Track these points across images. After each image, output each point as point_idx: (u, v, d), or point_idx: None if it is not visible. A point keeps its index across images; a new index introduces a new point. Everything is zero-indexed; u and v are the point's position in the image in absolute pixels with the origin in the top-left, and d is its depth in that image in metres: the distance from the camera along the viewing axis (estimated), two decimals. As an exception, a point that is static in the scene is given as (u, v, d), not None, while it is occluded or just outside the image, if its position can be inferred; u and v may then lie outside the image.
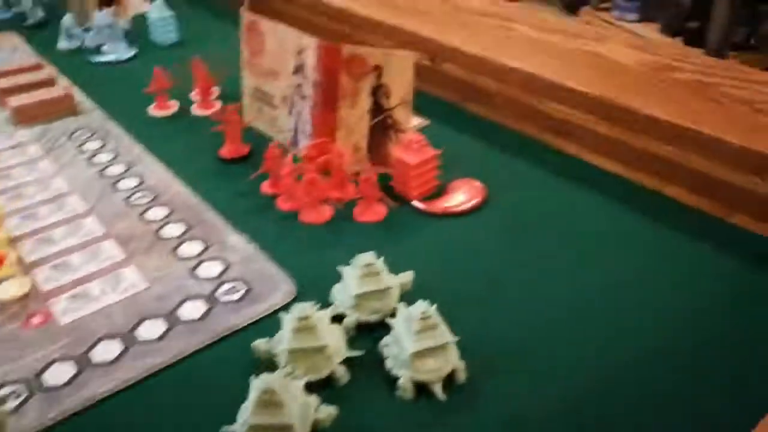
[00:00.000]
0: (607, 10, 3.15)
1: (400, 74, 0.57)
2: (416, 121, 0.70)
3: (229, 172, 0.62)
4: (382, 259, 0.46)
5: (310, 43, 0.59)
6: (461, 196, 0.58)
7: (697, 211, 0.54)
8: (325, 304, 0.45)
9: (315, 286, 0.47)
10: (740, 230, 0.52)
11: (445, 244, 0.53)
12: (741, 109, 0.54)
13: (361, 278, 0.43)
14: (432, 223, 0.55)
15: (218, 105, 0.74)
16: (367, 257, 0.44)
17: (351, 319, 0.43)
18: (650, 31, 2.93)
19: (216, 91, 0.76)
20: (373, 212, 0.55)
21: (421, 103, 0.73)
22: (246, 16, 0.65)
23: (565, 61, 0.66)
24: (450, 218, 0.56)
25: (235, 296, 0.47)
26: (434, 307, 0.41)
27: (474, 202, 0.57)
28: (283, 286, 0.48)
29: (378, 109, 0.59)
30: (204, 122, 0.70)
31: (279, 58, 0.63)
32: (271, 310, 0.45)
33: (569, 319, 0.45)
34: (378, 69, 0.57)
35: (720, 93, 0.57)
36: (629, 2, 3.05)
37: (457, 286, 0.48)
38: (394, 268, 0.46)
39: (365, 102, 0.59)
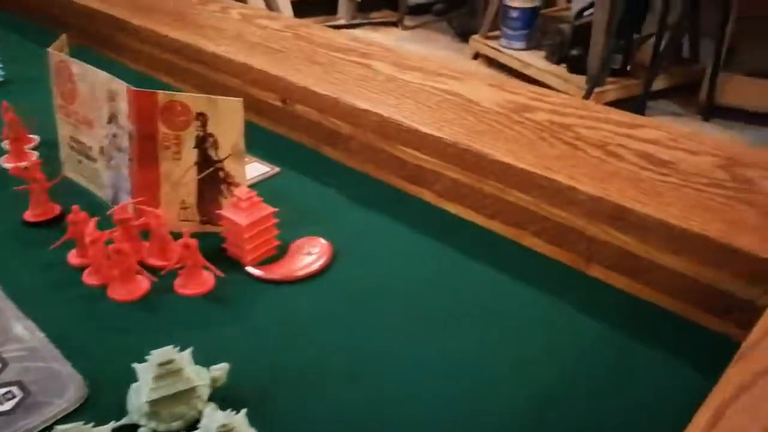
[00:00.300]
0: (496, 38, 3.23)
1: (229, 122, 0.50)
2: (264, 169, 0.64)
3: (31, 240, 0.53)
4: (189, 350, 0.38)
5: (120, 89, 0.51)
6: (305, 258, 0.51)
7: (556, 262, 0.50)
8: (124, 409, 0.37)
9: (114, 385, 0.39)
10: (598, 282, 0.48)
11: (282, 317, 0.46)
12: (595, 153, 0.51)
13: (157, 380, 0.36)
14: (269, 291, 0.48)
15: (34, 156, 0.64)
16: (165, 353, 0.36)
17: (145, 431, 0.35)
18: (536, 59, 3.01)
19: (36, 139, 0.67)
20: (198, 283, 0.48)
21: (271, 148, 0.67)
22: (53, 56, 0.56)
23: (420, 101, 0.61)
24: (291, 285, 0.49)
25: (7, 405, 0.38)
26: (242, 413, 0.34)
27: (319, 263, 0.51)
28: (70, 389, 0.39)
29: (208, 161, 0.52)
30: (12, 178, 0.60)
31: (92, 104, 0.55)
32: (51, 422, 0.37)
33: (426, 397, 0.39)
34: (203, 117, 0.50)
35: (575, 135, 0.53)
36: (516, 31, 3.13)
37: (292, 369, 0.41)
38: (216, 354, 0.39)
39: (191, 154, 0.52)
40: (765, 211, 0.44)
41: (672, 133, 0.54)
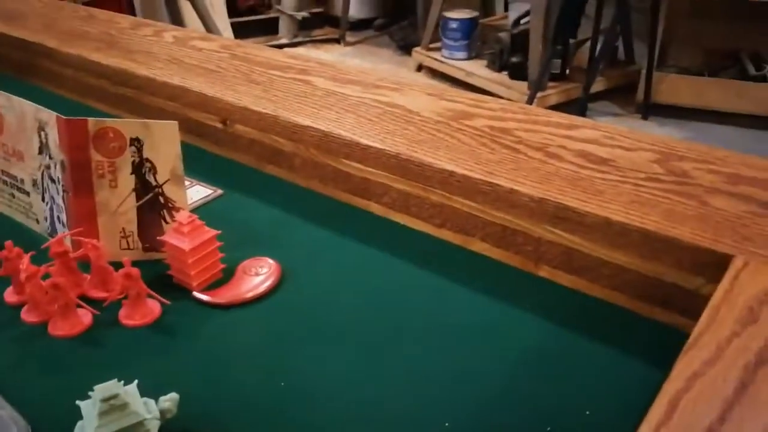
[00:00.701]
0: (437, 49, 3.27)
1: (165, 146, 0.49)
2: (207, 192, 0.62)
3: (-36, 280, 0.51)
4: (135, 383, 0.37)
5: (49, 118, 0.49)
6: (253, 279, 0.50)
7: (505, 265, 0.50)
8: (69, 448, 0.36)
9: (57, 425, 0.37)
10: (547, 283, 0.48)
11: (233, 342, 0.45)
12: (535, 156, 0.51)
13: (102, 416, 0.34)
14: (218, 316, 0.47)
15: (-36, 194, 0.62)
16: (108, 388, 0.35)
17: (91, 471, 0.34)
18: (478, 68, 3.06)
19: (-35, 176, 0.64)
20: (143, 313, 0.46)
21: (213, 170, 0.66)
22: (-23, 88, 0.54)
23: (361, 114, 0.61)
24: (240, 308, 0.48)
25: (-58, 456, 0.36)
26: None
27: (268, 284, 0.50)
28: (12, 431, 0.37)
29: (146, 187, 0.51)
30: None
31: (20, 135, 0.53)
32: (-10, 470, 0.35)
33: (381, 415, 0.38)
34: (138, 142, 0.49)
35: (515, 139, 0.54)
36: (456, 42, 3.18)
37: (245, 396, 0.40)
38: (165, 385, 0.38)
39: (128, 181, 0.50)
40: (701, 201, 0.45)
41: (609, 132, 0.55)
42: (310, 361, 0.43)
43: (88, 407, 0.35)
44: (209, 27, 2.43)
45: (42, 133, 0.51)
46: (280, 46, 3.67)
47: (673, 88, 2.62)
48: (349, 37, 4.02)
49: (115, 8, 1.95)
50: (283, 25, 3.94)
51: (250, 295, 0.49)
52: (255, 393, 0.41)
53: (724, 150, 0.51)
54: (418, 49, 3.50)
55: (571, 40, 2.74)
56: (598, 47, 2.59)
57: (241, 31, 3.57)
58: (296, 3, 3.89)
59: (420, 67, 3.50)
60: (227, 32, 3.23)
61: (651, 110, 2.65)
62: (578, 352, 0.42)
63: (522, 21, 2.88)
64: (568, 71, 2.80)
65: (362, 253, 0.53)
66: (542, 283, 0.48)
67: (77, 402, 0.36)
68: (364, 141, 0.56)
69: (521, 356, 0.42)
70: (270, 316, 0.47)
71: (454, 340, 0.44)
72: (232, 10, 3.61)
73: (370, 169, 0.57)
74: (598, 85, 2.77)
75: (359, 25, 4.10)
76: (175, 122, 0.49)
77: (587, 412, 0.38)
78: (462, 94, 0.64)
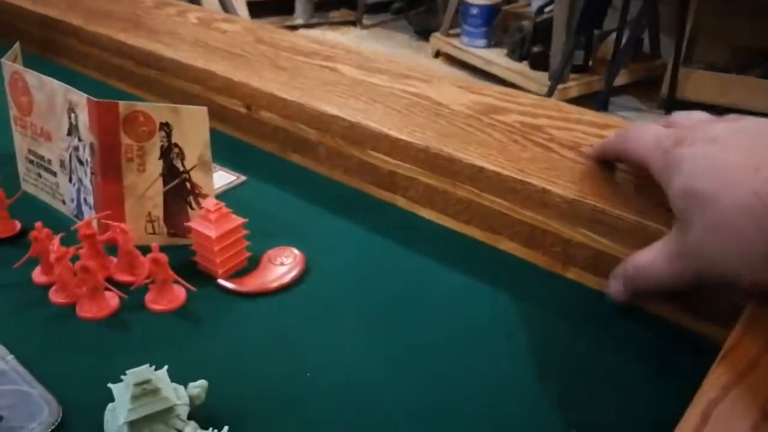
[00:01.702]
0: (456, 36, 3.24)
1: (193, 131, 0.49)
2: (230, 178, 0.62)
3: (-10, 259, 0.51)
4: (165, 368, 0.37)
5: (80, 100, 0.49)
6: (278, 269, 0.50)
7: (532, 266, 0.50)
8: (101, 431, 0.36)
9: (87, 407, 0.38)
10: (576, 285, 0.48)
11: (257, 330, 0.45)
12: (568, 155, 0.51)
13: (134, 400, 0.34)
14: (243, 305, 0.47)
15: (-9, 171, 0.62)
16: (141, 373, 0.35)
17: (123, 455, 0.34)
18: (498, 57, 3.03)
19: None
20: (168, 298, 0.46)
21: (237, 157, 0.66)
22: (7, 67, 0.54)
23: (389, 105, 0.60)
24: (265, 297, 0.48)
25: (-27, 436, 0.36)
26: (224, 430, 0.33)
27: (293, 274, 0.50)
28: (44, 412, 0.38)
29: (173, 172, 0.51)
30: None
31: (50, 116, 0.53)
32: (20, 451, 0.35)
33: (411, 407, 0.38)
34: (167, 127, 0.49)
35: (547, 136, 0.53)
36: (477, 29, 3.15)
37: (270, 385, 0.40)
38: (192, 371, 0.38)
39: (156, 165, 0.50)
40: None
41: (641, 132, 0.54)
42: (335, 352, 0.43)
43: (120, 390, 0.35)
44: (226, 6, 2.42)
45: (72, 115, 0.51)
46: (296, 27, 3.65)
47: (699, 84, 2.59)
48: (366, 20, 4.00)
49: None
50: (299, 6, 3.92)
51: (275, 284, 0.49)
52: (279, 382, 0.41)
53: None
54: (436, 34, 3.47)
55: (596, 31, 2.71)
56: (624, 40, 2.56)
57: (257, 11, 3.55)
58: (315, -16, 3.86)
59: (438, 54, 3.46)
60: (243, 11, 3.22)
61: (674, 106, 2.62)
62: (606, 356, 0.42)
63: (546, 9, 2.85)
64: (591, 63, 2.77)
65: (387, 247, 0.53)
66: (571, 285, 0.48)
67: (109, 385, 0.36)
68: (393, 133, 0.56)
69: (548, 357, 0.42)
70: (295, 306, 0.47)
71: (476, 337, 0.44)
72: (250, -11, 3.58)
73: (397, 162, 0.56)
74: (621, 79, 2.74)
75: (376, 8, 4.07)
76: (205, 108, 0.49)
77: (616, 418, 0.38)
78: (490, 87, 0.63)
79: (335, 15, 3.96)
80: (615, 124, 0.55)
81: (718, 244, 0.38)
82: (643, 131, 0.45)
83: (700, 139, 0.40)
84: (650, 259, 0.42)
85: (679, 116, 0.46)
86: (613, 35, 2.62)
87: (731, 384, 0.33)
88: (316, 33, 3.66)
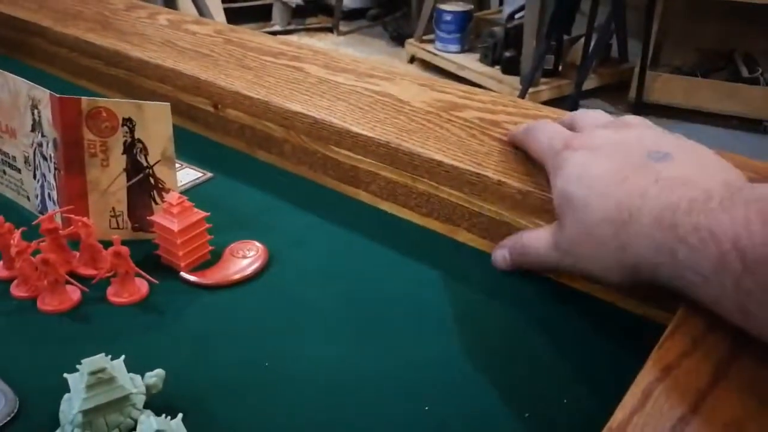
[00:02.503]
0: (431, 42, 3.27)
1: (157, 127, 0.50)
2: (197, 175, 0.63)
3: (-47, 255, 0.51)
4: (122, 358, 0.37)
5: (43, 96, 0.50)
6: (240, 261, 0.51)
7: (489, 256, 0.51)
8: (56, 421, 0.36)
9: (45, 398, 0.38)
10: (532, 275, 0.49)
11: (218, 322, 0.46)
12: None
13: (89, 389, 0.35)
14: (205, 297, 0.48)
15: (-46, 169, 0.62)
16: (96, 362, 0.35)
17: (78, 442, 0.35)
18: (471, 61, 3.07)
19: (-45, 152, 0.64)
20: (130, 291, 0.47)
21: (204, 154, 0.67)
22: (-30, 65, 0.55)
23: (352, 103, 0.61)
24: (226, 289, 0.49)
25: (-70, 425, 0.37)
26: (177, 419, 0.34)
27: (255, 266, 0.50)
28: (0, 403, 0.38)
29: (137, 167, 0.51)
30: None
31: (13, 112, 0.53)
32: (-23, 439, 0.36)
33: (360, 400, 0.39)
34: (130, 122, 0.49)
35: (504, 131, 0.55)
36: (450, 35, 3.18)
37: (228, 375, 0.41)
38: (151, 362, 0.39)
39: (119, 161, 0.51)
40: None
41: (596, 127, 0.56)
42: (294, 343, 0.43)
43: (76, 380, 0.36)
44: (202, 11, 2.42)
45: (35, 111, 0.51)
46: (273, 33, 3.66)
47: (666, 87, 2.64)
48: (343, 27, 4.02)
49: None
50: (277, 12, 3.93)
51: (237, 276, 0.49)
52: (238, 372, 0.41)
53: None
54: (411, 40, 3.50)
55: (565, 37, 2.75)
56: (592, 44, 2.60)
57: (234, 17, 3.55)
58: (291, -10, 3.87)
59: (413, 59, 3.50)
60: (220, 17, 3.22)
61: (642, 109, 2.66)
62: (555, 341, 0.43)
63: (516, 16, 2.89)
64: (561, 67, 2.81)
65: (349, 240, 0.54)
66: (525, 274, 0.49)
67: (65, 375, 0.37)
68: (355, 129, 0.57)
69: (500, 344, 0.43)
70: (256, 298, 0.48)
71: (434, 326, 0.45)
72: (227, -6, 3.58)
73: (359, 157, 0.57)
74: (590, 83, 2.79)
75: (353, 15, 4.09)
76: (168, 104, 0.49)
77: (564, 401, 0.39)
78: (453, 85, 0.65)
79: (312, 21, 3.98)
80: (569, 119, 0.56)
81: (586, 248, 0.41)
82: (540, 131, 0.48)
83: (585, 146, 0.43)
84: (536, 242, 0.45)
85: (578, 116, 0.48)
86: (582, 40, 2.67)
87: (672, 366, 0.35)
88: (293, 39, 3.67)
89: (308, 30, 3.91)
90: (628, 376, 0.34)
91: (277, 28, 3.81)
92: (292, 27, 3.87)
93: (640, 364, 0.35)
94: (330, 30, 3.89)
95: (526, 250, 0.46)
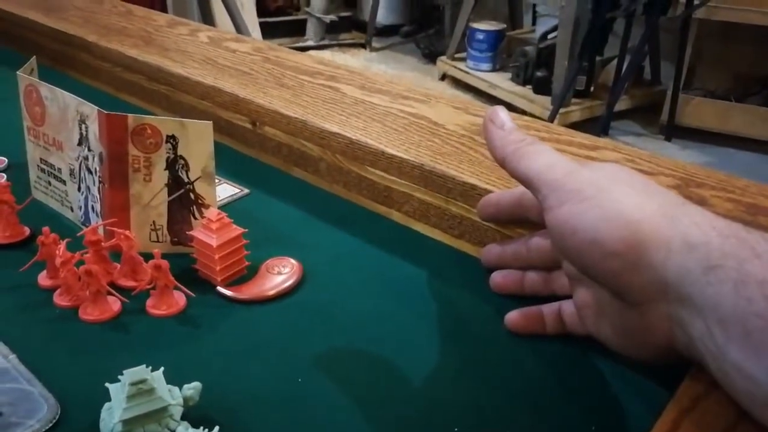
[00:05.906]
0: (462, 59, 3.28)
1: (198, 144, 0.51)
2: (234, 191, 0.64)
3: (1, 262, 0.53)
4: (161, 370, 0.39)
5: (91, 112, 0.52)
6: (276, 278, 0.52)
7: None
8: (96, 429, 0.38)
9: (85, 406, 0.39)
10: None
11: (253, 336, 0.47)
12: (557, 175, 0.52)
13: (130, 399, 0.36)
14: (240, 311, 0.49)
15: (2, 178, 0.64)
16: (137, 373, 0.36)
17: (118, 450, 0.36)
18: (502, 80, 3.07)
19: (3, 161, 0.67)
20: (169, 303, 0.48)
21: (241, 170, 0.68)
22: (22, 79, 0.57)
23: (387, 124, 0.62)
24: (261, 304, 0.50)
25: (-23, 428, 0.38)
26: (215, 430, 0.35)
27: (290, 282, 0.51)
28: (42, 409, 0.39)
29: (178, 183, 0.53)
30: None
31: (62, 126, 0.55)
32: (21, 444, 0.37)
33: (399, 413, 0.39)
34: (173, 139, 0.51)
35: (538, 157, 0.55)
36: (482, 53, 3.19)
37: (262, 388, 0.42)
38: (188, 374, 0.40)
39: (161, 176, 0.52)
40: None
41: (631, 155, 0.56)
42: (327, 359, 0.44)
43: (117, 390, 0.37)
44: (238, 25, 2.46)
45: (83, 126, 0.53)
46: (306, 48, 3.70)
47: (698, 111, 2.61)
48: (375, 43, 4.05)
49: (147, 4, 1.99)
50: (311, 28, 3.98)
51: (272, 292, 0.51)
52: (272, 386, 0.42)
53: (745, 179, 0.52)
54: (443, 58, 3.51)
55: (598, 57, 2.74)
56: (625, 66, 2.59)
57: (269, 31, 3.61)
58: (325, 6, 3.92)
59: (444, 76, 3.51)
60: (256, 32, 3.27)
61: (674, 132, 2.64)
62: (591, 364, 0.44)
63: (549, 36, 2.89)
64: (592, 88, 2.80)
65: (382, 258, 0.55)
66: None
67: (106, 384, 0.38)
68: (390, 150, 0.58)
69: (536, 364, 0.44)
70: (290, 313, 0.49)
71: (466, 346, 0.45)
72: (262, 9, 3.65)
73: (393, 178, 0.58)
74: (622, 104, 2.77)
75: (386, 31, 4.12)
76: (210, 122, 0.51)
77: (593, 428, 0.39)
78: (485, 109, 0.65)
79: (346, 37, 4.02)
80: (603, 146, 0.57)
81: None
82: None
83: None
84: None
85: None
86: (615, 61, 2.66)
87: (701, 396, 0.35)
88: (326, 54, 3.71)
89: (341, 45, 3.95)
90: (655, 406, 0.34)
91: (310, 43, 3.85)
92: (325, 42, 3.91)
93: (669, 396, 0.35)
94: (363, 46, 3.93)
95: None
